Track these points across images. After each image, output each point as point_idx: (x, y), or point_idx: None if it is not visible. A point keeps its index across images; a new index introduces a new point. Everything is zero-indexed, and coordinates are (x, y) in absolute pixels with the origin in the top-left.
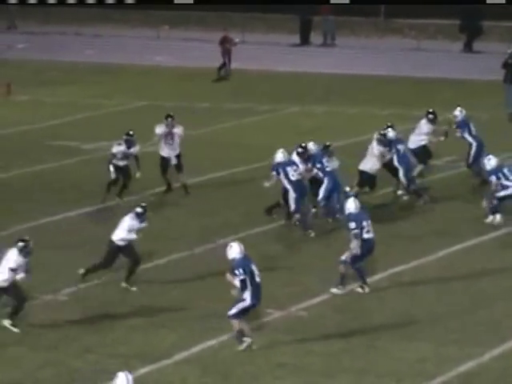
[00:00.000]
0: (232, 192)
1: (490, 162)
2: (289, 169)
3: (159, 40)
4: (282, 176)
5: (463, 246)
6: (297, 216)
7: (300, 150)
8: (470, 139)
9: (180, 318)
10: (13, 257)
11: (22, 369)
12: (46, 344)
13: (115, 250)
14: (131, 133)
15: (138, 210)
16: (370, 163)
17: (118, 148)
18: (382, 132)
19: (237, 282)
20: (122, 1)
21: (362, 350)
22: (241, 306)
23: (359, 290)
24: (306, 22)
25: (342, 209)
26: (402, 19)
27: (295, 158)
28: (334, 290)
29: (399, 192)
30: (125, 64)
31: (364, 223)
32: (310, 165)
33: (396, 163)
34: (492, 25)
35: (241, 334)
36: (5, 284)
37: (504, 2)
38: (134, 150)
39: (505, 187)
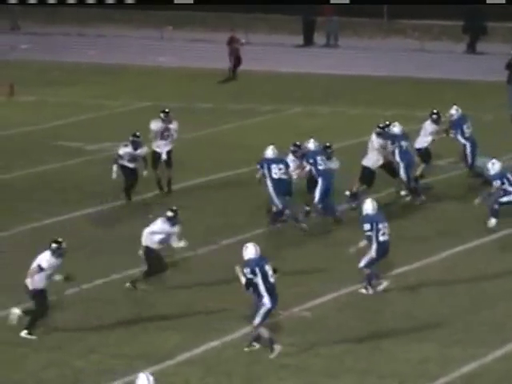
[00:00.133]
0: (235, 193)
1: (494, 167)
2: (273, 166)
3: (162, 41)
4: (265, 171)
5: (466, 247)
6: (287, 212)
7: (293, 148)
8: (462, 141)
9: (183, 318)
10: (45, 257)
11: (26, 369)
12: (50, 344)
13: (152, 254)
14: (138, 134)
15: (169, 213)
16: (372, 159)
17: (125, 149)
18: (380, 125)
19: (243, 281)
20: (123, 0)
21: (365, 350)
22: (262, 311)
23: (363, 290)
24: (310, 22)
25: (332, 209)
26: (405, 20)
27: (290, 157)
28: (363, 291)
29: (402, 192)
30: (128, 64)
31: (380, 225)
32: (303, 162)
33: (397, 158)
34: (495, 26)
35: (271, 341)
36: (40, 285)
37: (504, 1)
38: (141, 151)
39: (508, 193)
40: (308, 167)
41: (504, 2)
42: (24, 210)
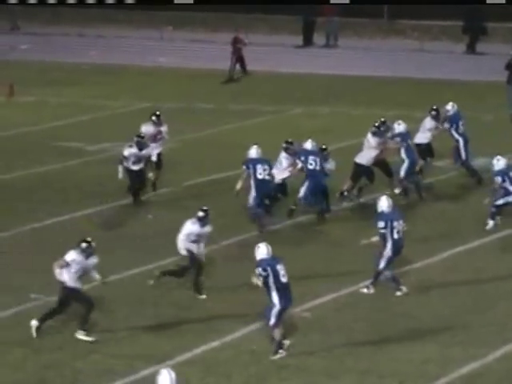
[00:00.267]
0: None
1: (499, 163)
2: (259, 166)
3: (162, 41)
4: (250, 172)
5: (467, 248)
6: (253, 212)
7: (285, 145)
8: (456, 136)
9: (183, 318)
10: (72, 254)
11: (27, 370)
12: (50, 345)
13: (189, 255)
14: (142, 134)
15: (200, 213)
16: (366, 157)
17: (130, 150)
18: (376, 124)
19: (259, 283)
20: (123, 1)
21: (365, 351)
22: (274, 312)
23: (364, 290)
24: (309, 23)
25: (327, 209)
26: (405, 20)
27: (283, 154)
28: (398, 293)
29: (396, 191)
30: (128, 65)
31: (395, 223)
32: (296, 160)
33: (403, 155)
34: (495, 26)
35: (279, 345)
36: (72, 284)
37: (504, 2)
38: (147, 151)
39: (507, 193)
40: (300, 165)
41: (504, 1)
42: (24, 210)
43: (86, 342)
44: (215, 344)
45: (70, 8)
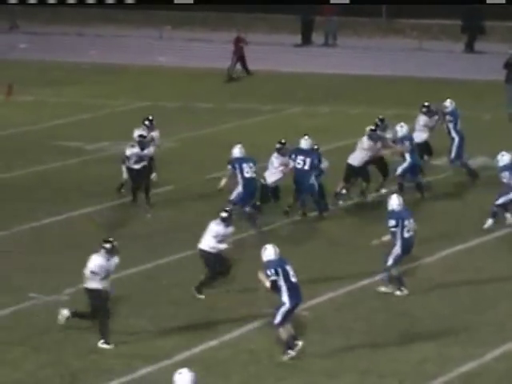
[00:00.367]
0: None
1: (504, 158)
2: (245, 165)
3: (162, 40)
4: (237, 171)
5: (466, 246)
6: (246, 210)
7: (278, 145)
8: (453, 133)
9: (181, 317)
10: (97, 262)
11: (25, 369)
12: (48, 344)
13: (211, 258)
14: (144, 134)
15: (223, 214)
16: (358, 158)
17: (132, 150)
18: (372, 127)
19: (268, 284)
20: (123, 0)
21: (365, 350)
22: (283, 311)
23: (398, 292)
24: (308, 22)
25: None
26: (404, 19)
27: (275, 154)
28: (398, 293)
29: (383, 191)
30: (127, 64)
31: (406, 222)
32: (288, 160)
33: (407, 157)
34: (494, 25)
35: (288, 345)
36: (94, 286)
37: (504, 1)
38: (148, 151)
39: (510, 189)
40: (292, 164)
41: (504, 1)
42: (23, 209)
43: (84, 341)
44: (214, 343)
45: (69, 7)
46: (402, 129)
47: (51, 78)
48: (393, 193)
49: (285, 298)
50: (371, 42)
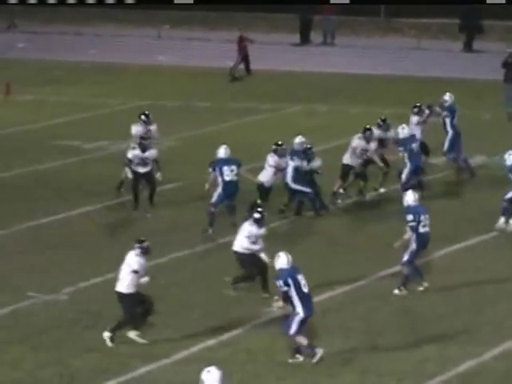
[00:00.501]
0: None
1: (511, 157)
2: (225, 168)
3: (161, 39)
4: (217, 173)
5: (465, 245)
6: (212, 209)
7: (274, 146)
8: (448, 127)
9: (180, 317)
10: (135, 260)
11: (23, 368)
12: (47, 344)
13: (246, 259)
14: (144, 136)
15: (256, 215)
16: (347, 157)
17: (133, 152)
18: (367, 127)
19: (280, 304)
20: (123, 0)
21: (364, 349)
22: (297, 320)
23: (420, 288)
24: (306, 21)
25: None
26: (402, 18)
27: (270, 153)
28: (396, 292)
29: (381, 190)
30: (127, 63)
31: (422, 217)
32: (282, 160)
33: (406, 160)
34: (492, 24)
35: (311, 346)
36: (130, 290)
37: (504, 1)
38: (150, 153)
39: None
40: (283, 165)
41: (504, 1)
42: (22, 208)
43: (83, 340)
44: (212, 342)
45: (67, 7)
46: (403, 131)
47: (51, 77)
48: (392, 193)
49: (298, 308)
50: (370, 41)
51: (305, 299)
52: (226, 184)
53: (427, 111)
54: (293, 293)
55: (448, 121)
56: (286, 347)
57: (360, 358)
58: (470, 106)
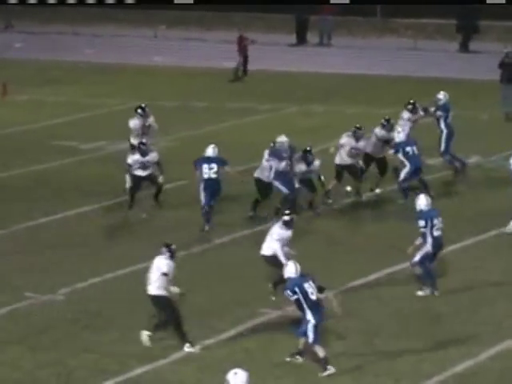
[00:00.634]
0: (232, 191)
1: None
2: (204, 166)
3: (157, 40)
4: (198, 172)
5: (463, 245)
6: (203, 210)
7: (271, 144)
8: (442, 126)
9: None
10: (165, 263)
11: (21, 368)
12: (45, 344)
13: (278, 261)
14: (143, 141)
15: (286, 218)
16: (337, 156)
17: (133, 157)
18: (357, 126)
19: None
20: (122, 1)
21: (361, 349)
22: (310, 328)
23: (420, 293)
24: (303, 21)
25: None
26: (399, 19)
27: (267, 151)
28: (420, 293)
29: (377, 190)
30: (124, 64)
31: (435, 221)
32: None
33: (406, 162)
34: (489, 24)
35: (325, 361)
36: (161, 292)
37: (504, 1)
38: (150, 157)
39: None
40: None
41: (504, 1)
42: (21, 208)
43: (81, 340)
44: (210, 342)
45: (65, 7)
46: (399, 135)
47: (48, 77)
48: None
49: (309, 316)
50: (366, 42)
51: (314, 307)
52: (206, 182)
53: (422, 113)
54: (302, 301)
55: (442, 120)
56: (284, 347)
57: (357, 357)
58: (466, 106)
